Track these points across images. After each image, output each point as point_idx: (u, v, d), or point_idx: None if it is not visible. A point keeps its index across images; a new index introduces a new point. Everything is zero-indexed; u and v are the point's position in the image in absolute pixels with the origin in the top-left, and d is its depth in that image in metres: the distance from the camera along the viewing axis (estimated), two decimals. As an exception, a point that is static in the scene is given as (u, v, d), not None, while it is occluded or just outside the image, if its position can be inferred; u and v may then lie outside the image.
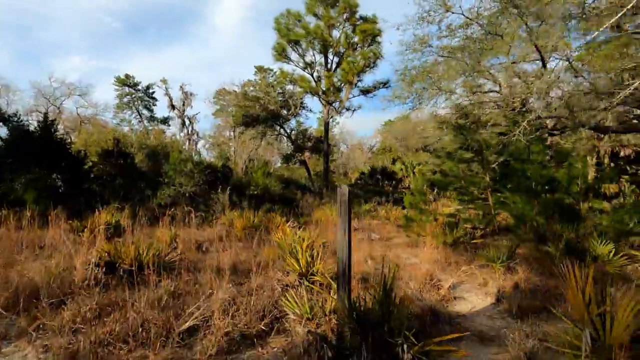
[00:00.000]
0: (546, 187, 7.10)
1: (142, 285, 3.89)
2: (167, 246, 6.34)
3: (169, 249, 6.12)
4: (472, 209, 9.17)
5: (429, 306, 3.64)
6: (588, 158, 11.78)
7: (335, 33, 16.97)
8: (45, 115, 12.55)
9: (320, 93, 16.76)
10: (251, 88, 18.37)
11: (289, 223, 9.62)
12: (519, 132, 7.71)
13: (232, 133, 31.91)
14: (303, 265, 4.42)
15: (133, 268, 4.12)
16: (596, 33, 6.81)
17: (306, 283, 4.18)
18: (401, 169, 28.71)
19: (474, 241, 7.40)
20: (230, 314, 3.28)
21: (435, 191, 12.33)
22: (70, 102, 32.87)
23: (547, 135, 7.83)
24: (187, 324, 3.11)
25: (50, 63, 54.01)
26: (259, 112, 16.83)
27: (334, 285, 3.75)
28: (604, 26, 6.81)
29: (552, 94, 7.16)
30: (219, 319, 3.14)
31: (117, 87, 39.58)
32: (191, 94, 35.52)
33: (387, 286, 2.78)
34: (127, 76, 40.04)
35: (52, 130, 11.47)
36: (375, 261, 6.45)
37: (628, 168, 14.11)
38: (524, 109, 8.44)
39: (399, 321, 2.65)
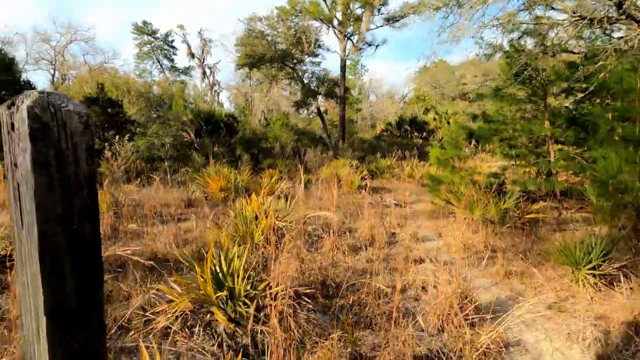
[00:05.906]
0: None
1: None
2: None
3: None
4: (524, 167, 6.67)
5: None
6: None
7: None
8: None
9: (335, 24, 13.78)
10: (257, 23, 15.66)
11: (280, 183, 7.64)
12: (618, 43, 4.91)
13: (249, 81, 29.68)
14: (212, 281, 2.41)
15: None
16: None
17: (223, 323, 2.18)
18: (434, 119, 25.46)
19: (530, 216, 5.06)
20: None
21: (472, 144, 9.77)
22: (78, 49, 31.51)
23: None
24: None
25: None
26: (265, 50, 14.28)
27: None
28: None
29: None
30: None
31: (136, 36, 37.75)
32: (210, 41, 33.08)
33: None
34: (144, 23, 37.83)
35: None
36: (377, 248, 4.36)
37: None
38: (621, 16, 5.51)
39: None
